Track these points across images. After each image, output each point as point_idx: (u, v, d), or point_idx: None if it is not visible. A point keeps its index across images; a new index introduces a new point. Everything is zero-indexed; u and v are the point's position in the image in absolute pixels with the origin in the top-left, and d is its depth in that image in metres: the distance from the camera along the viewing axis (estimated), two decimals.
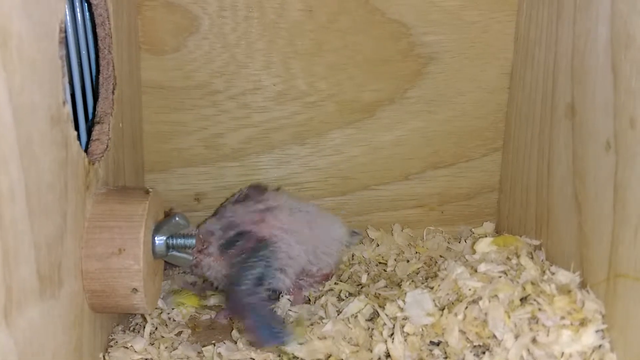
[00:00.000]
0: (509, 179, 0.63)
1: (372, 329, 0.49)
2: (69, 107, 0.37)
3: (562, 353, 0.42)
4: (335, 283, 0.58)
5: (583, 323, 0.42)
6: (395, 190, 0.65)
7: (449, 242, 0.64)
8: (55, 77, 0.35)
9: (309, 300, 0.56)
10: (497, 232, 0.65)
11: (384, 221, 0.66)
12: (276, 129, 0.62)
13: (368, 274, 0.60)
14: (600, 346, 0.42)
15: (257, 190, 0.58)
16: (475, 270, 0.49)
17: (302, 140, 0.63)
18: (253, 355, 0.46)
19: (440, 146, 0.64)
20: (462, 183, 0.66)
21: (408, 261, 0.61)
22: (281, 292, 0.54)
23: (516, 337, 0.43)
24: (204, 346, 0.49)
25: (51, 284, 0.34)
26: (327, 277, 0.58)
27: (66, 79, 0.37)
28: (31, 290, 0.32)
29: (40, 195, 0.33)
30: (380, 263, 0.62)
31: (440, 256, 0.61)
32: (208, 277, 0.56)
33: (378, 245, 0.64)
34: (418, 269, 0.60)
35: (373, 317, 0.51)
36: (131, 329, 0.51)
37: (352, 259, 0.63)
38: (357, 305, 0.51)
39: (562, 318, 0.43)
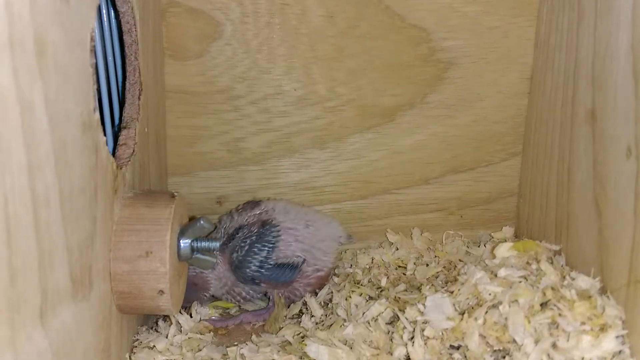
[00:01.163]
0: (529, 184, 0.63)
1: (392, 333, 0.49)
2: (98, 114, 0.39)
3: (582, 358, 0.42)
4: (357, 287, 0.58)
5: (603, 329, 0.43)
6: (415, 195, 0.66)
7: (468, 247, 0.64)
8: (87, 85, 0.36)
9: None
10: (517, 236, 0.65)
11: (403, 225, 0.66)
12: (297, 133, 0.63)
13: (387, 278, 0.60)
14: (620, 352, 0.42)
15: (252, 203, 0.59)
16: (495, 275, 0.50)
17: (323, 144, 0.64)
18: (275, 356, 0.47)
19: (460, 151, 0.65)
20: (482, 187, 0.66)
21: (427, 265, 0.62)
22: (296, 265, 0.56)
23: (536, 342, 0.44)
24: (227, 347, 0.50)
25: (82, 286, 0.35)
26: (322, 280, 0.58)
27: (95, 88, 0.39)
28: (64, 293, 0.33)
29: (72, 200, 0.34)
30: (399, 267, 0.62)
31: (460, 260, 0.61)
32: (221, 295, 0.57)
33: (397, 249, 0.64)
34: (437, 272, 0.60)
35: (393, 321, 0.51)
36: (155, 329, 0.52)
37: (372, 263, 0.63)
38: (377, 309, 0.52)
39: (583, 323, 0.43)
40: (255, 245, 0.55)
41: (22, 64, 0.27)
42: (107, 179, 0.40)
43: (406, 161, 0.65)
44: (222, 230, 0.57)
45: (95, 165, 0.38)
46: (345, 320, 0.52)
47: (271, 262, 0.55)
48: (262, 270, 0.55)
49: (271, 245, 0.55)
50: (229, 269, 0.56)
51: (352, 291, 0.57)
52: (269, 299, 0.58)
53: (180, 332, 0.50)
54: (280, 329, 0.53)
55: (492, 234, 0.65)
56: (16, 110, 0.27)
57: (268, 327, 0.54)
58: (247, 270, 0.55)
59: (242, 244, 0.55)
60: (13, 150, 0.27)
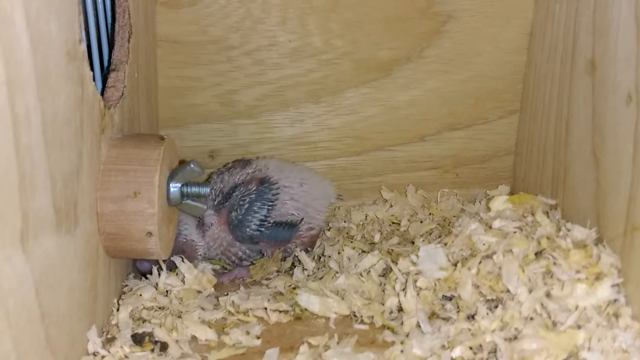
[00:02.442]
0: (526, 141, 0.62)
1: (385, 284, 0.49)
2: (84, 46, 0.37)
3: (577, 306, 0.41)
4: (350, 241, 0.57)
5: (598, 277, 0.42)
6: (410, 152, 0.65)
7: (463, 204, 0.63)
8: (72, 13, 0.35)
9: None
10: (512, 195, 0.64)
11: (398, 182, 0.65)
12: (291, 86, 0.62)
13: (381, 234, 0.60)
14: (615, 300, 0.41)
15: (242, 162, 0.58)
16: (490, 227, 0.49)
17: (317, 98, 0.63)
18: (266, 304, 0.46)
19: (456, 107, 0.64)
20: (478, 145, 0.65)
21: (421, 222, 0.61)
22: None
23: (530, 290, 0.43)
24: (217, 297, 0.49)
25: (67, 219, 0.35)
26: (314, 238, 0.58)
27: (82, 18, 0.37)
28: (47, 221, 0.32)
29: (56, 128, 0.33)
30: (393, 223, 0.62)
31: (454, 217, 0.60)
32: (215, 256, 0.56)
33: (391, 206, 0.64)
34: (431, 229, 0.59)
35: (386, 273, 0.51)
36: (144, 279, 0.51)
37: (366, 219, 0.63)
38: (370, 260, 0.51)
39: (577, 272, 0.43)
40: (255, 203, 0.54)
41: None
42: (94, 116, 0.39)
43: (402, 117, 0.64)
44: (216, 190, 0.56)
45: (81, 98, 0.37)
46: (337, 272, 0.51)
47: (271, 221, 0.54)
48: (262, 229, 0.54)
49: (271, 203, 0.54)
50: (226, 229, 0.55)
51: (345, 245, 0.56)
52: (263, 256, 0.57)
53: (170, 280, 0.49)
54: (268, 279, 0.53)
55: (487, 192, 0.64)
56: None
57: (253, 272, 0.53)
58: (247, 229, 0.54)
59: (241, 203, 0.54)
60: None
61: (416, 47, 0.61)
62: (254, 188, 0.55)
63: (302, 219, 0.56)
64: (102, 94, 0.46)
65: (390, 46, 0.61)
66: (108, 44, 0.50)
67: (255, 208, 0.54)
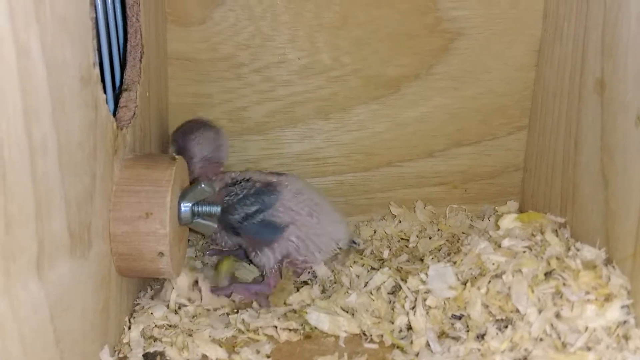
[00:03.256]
0: (534, 157, 0.62)
1: (394, 302, 0.49)
2: (98, 70, 0.38)
3: (586, 328, 0.42)
4: (361, 258, 0.58)
5: (608, 298, 0.42)
6: (419, 168, 0.65)
7: (472, 220, 0.63)
8: (86, 38, 0.35)
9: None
10: (521, 211, 0.64)
11: (407, 198, 0.66)
12: (300, 103, 0.62)
13: (390, 250, 0.60)
14: (625, 322, 0.42)
15: (276, 173, 0.57)
16: (499, 246, 0.49)
17: (326, 115, 0.63)
18: (276, 322, 0.47)
19: (465, 124, 0.64)
20: (487, 161, 0.65)
21: (430, 238, 0.61)
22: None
23: (540, 311, 0.43)
24: (228, 314, 0.49)
25: (81, 243, 0.35)
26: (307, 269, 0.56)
27: (95, 42, 0.38)
28: (62, 246, 0.32)
29: (70, 153, 0.33)
30: (402, 239, 0.62)
31: (463, 233, 0.60)
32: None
33: (400, 222, 0.64)
34: (440, 245, 0.59)
35: (395, 291, 0.51)
36: (156, 296, 0.51)
37: (374, 235, 0.63)
38: (380, 278, 0.51)
39: (587, 293, 0.43)
40: (249, 197, 0.53)
41: (18, 6, 0.27)
42: (107, 138, 0.40)
43: (410, 133, 0.64)
44: (236, 178, 0.56)
45: (94, 121, 0.37)
46: (348, 289, 0.52)
47: (257, 220, 0.53)
48: (245, 223, 0.53)
49: (263, 204, 0.53)
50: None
51: (354, 262, 0.56)
52: (262, 275, 0.56)
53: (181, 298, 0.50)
54: (286, 303, 0.52)
55: (496, 208, 0.64)
56: (12, 52, 0.26)
57: (273, 299, 0.52)
58: (231, 217, 0.53)
59: (239, 192, 0.54)
60: (8, 93, 0.26)
61: (424, 64, 0.62)
62: (258, 185, 0.54)
63: (287, 226, 0.54)
64: (114, 113, 0.47)
65: (398, 63, 0.62)
66: (120, 63, 0.51)
67: (246, 201, 0.53)
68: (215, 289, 0.53)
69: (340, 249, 0.56)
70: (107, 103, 0.40)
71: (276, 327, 0.47)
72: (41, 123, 0.29)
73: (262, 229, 0.53)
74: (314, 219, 0.55)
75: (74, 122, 0.34)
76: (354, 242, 0.58)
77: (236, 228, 0.54)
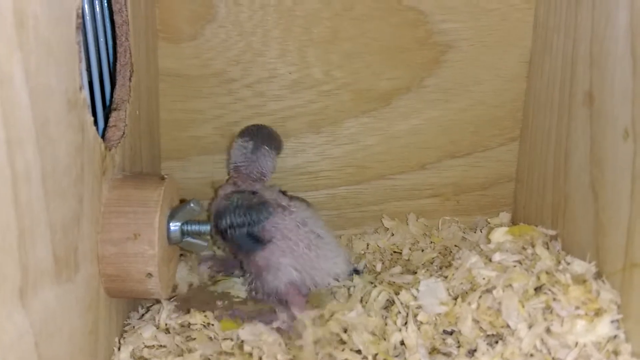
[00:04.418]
0: (526, 169, 0.62)
1: (387, 318, 0.49)
2: (85, 93, 0.38)
3: (577, 343, 0.42)
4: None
5: (598, 313, 0.42)
6: (411, 180, 0.65)
7: (464, 232, 0.63)
8: (72, 62, 0.35)
9: None
10: (514, 222, 0.64)
11: (399, 211, 0.65)
12: (291, 117, 0.62)
13: (383, 263, 0.60)
14: (615, 336, 0.42)
15: (290, 195, 0.57)
16: (490, 260, 0.49)
17: (318, 128, 0.63)
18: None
19: (457, 136, 0.64)
20: (479, 173, 0.65)
21: (423, 250, 0.61)
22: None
23: (530, 326, 0.43)
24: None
25: (67, 267, 0.35)
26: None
27: (83, 65, 0.38)
28: (47, 273, 0.32)
29: (56, 178, 0.33)
30: (394, 252, 0.62)
31: (455, 246, 0.60)
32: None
33: (393, 235, 0.64)
34: (433, 258, 0.59)
35: (388, 305, 0.51)
36: (146, 316, 0.51)
37: (367, 249, 0.63)
38: (374, 294, 0.51)
39: (577, 308, 0.43)
40: (241, 207, 0.53)
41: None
42: (95, 160, 0.40)
43: (402, 146, 0.64)
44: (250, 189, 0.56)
45: (81, 144, 0.37)
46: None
47: (241, 231, 0.52)
48: (230, 230, 0.53)
49: (251, 219, 0.52)
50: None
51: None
52: (275, 311, 0.53)
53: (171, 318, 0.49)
54: None
55: (488, 219, 0.64)
56: None
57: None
58: (219, 221, 0.53)
59: (234, 199, 0.53)
60: None
61: (416, 77, 0.62)
62: (255, 199, 0.54)
63: (270, 239, 0.52)
64: (103, 133, 0.47)
65: (389, 76, 0.62)
66: (110, 82, 0.51)
67: (237, 211, 0.52)
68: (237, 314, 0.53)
69: (338, 281, 0.55)
70: (96, 124, 0.40)
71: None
72: (25, 151, 0.29)
73: (245, 240, 0.53)
74: (312, 252, 0.53)
75: (60, 147, 0.34)
76: (356, 271, 0.56)
77: (221, 232, 0.54)
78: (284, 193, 0.58)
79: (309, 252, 0.53)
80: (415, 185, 0.65)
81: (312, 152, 0.64)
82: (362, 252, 0.62)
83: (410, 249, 0.61)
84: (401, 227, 0.64)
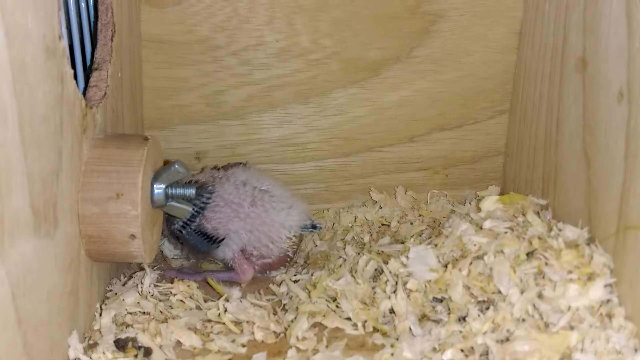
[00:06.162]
0: (516, 142, 0.62)
1: (375, 286, 0.48)
2: (65, 43, 0.36)
3: (569, 307, 0.41)
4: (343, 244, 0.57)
5: (591, 277, 0.41)
6: (400, 153, 0.64)
7: (453, 206, 0.62)
8: (50, 6, 0.34)
9: None
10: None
11: (387, 184, 0.65)
12: (278, 87, 0.61)
13: (371, 235, 0.59)
14: (608, 300, 0.41)
15: (233, 165, 0.56)
16: (481, 227, 0.48)
17: (305, 99, 0.62)
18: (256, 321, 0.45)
19: (446, 108, 0.63)
20: (468, 146, 0.64)
21: (412, 223, 0.60)
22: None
23: (522, 291, 0.42)
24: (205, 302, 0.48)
25: (46, 221, 0.33)
26: (271, 266, 0.54)
27: (62, 14, 0.36)
28: (25, 224, 0.31)
29: (34, 127, 0.32)
30: (383, 225, 0.61)
31: (444, 218, 0.59)
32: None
33: (381, 208, 0.63)
34: (422, 230, 0.58)
35: (376, 275, 0.50)
36: (129, 283, 0.50)
37: (355, 221, 0.62)
38: (363, 260, 0.50)
39: (570, 272, 0.42)
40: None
41: None
42: (75, 115, 0.38)
43: (391, 118, 0.63)
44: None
45: (60, 96, 0.35)
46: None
47: (193, 226, 0.51)
48: (183, 232, 0.52)
49: (198, 208, 0.51)
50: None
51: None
52: (229, 266, 0.53)
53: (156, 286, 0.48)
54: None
55: (477, 193, 0.64)
56: None
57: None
58: (172, 226, 0.52)
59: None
60: None
61: (405, 46, 0.61)
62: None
63: (223, 239, 0.51)
64: (84, 93, 0.45)
65: (379, 46, 0.61)
66: (91, 42, 0.49)
67: None
68: (184, 274, 0.52)
69: (295, 236, 0.53)
70: (75, 79, 0.38)
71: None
72: (1, 91, 0.28)
73: (199, 240, 0.52)
74: (258, 208, 0.52)
75: (38, 94, 0.32)
76: (314, 227, 0.54)
77: (178, 237, 0.53)
78: (227, 166, 0.56)
79: (255, 208, 0.52)
80: (403, 158, 0.64)
81: (299, 123, 0.62)
82: (350, 224, 0.61)
83: (398, 222, 0.60)
84: (389, 200, 0.63)
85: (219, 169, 0.55)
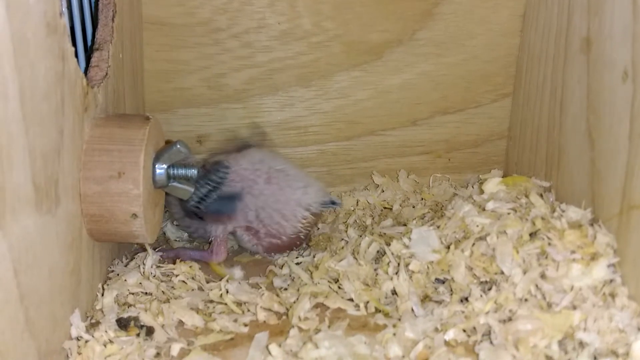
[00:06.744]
0: (519, 125, 0.61)
1: (377, 268, 0.48)
2: (65, 21, 0.36)
3: (572, 287, 0.41)
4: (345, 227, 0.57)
5: (594, 257, 0.41)
6: (402, 136, 0.64)
7: (455, 189, 0.62)
8: None
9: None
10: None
11: (389, 167, 0.64)
12: (280, 69, 0.61)
13: (373, 218, 0.59)
14: (611, 280, 0.41)
15: (245, 145, 0.56)
16: (483, 209, 0.48)
17: (307, 82, 0.61)
18: (258, 301, 0.45)
19: (449, 91, 0.63)
20: (471, 130, 0.64)
21: (414, 207, 0.60)
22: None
23: (524, 272, 0.42)
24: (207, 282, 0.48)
25: (47, 198, 0.33)
26: (282, 248, 0.54)
27: None
28: (26, 199, 0.31)
29: (35, 103, 0.31)
30: (385, 208, 0.61)
31: (447, 201, 0.59)
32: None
33: (383, 191, 0.63)
34: (424, 214, 0.58)
35: (378, 257, 0.50)
36: (131, 264, 0.49)
37: (357, 205, 0.62)
38: (364, 244, 0.50)
39: (573, 252, 0.42)
40: (199, 181, 0.50)
41: None
42: (76, 94, 0.38)
43: (393, 101, 0.63)
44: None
45: (61, 73, 0.35)
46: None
47: (212, 199, 0.51)
48: (201, 206, 0.51)
49: (214, 184, 0.51)
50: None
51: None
52: (209, 242, 0.53)
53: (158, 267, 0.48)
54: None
55: (480, 176, 0.63)
56: None
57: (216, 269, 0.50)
58: (188, 204, 0.52)
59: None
60: None
61: (408, 29, 0.60)
62: (206, 167, 0.53)
63: (240, 192, 0.51)
64: (85, 73, 0.45)
65: (381, 28, 0.60)
66: (92, 23, 0.49)
67: (198, 184, 0.50)
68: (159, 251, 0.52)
69: (313, 214, 0.53)
70: (76, 57, 0.38)
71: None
72: (2, 65, 0.28)
73: (221, 204, 0.51)
74: (273, 186, 0.52)
75: (39, 70, 0.32)
76: (333, 203, 0.54)
77: (197, 213, 0.52)
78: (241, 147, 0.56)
79: (269, 186, 0.52)
80: (406, 141, 0.64)
81: (301, 106, 0.62)
82: (352, 208, 0.61)
83: (400, 205, 0.60)
84: (391, 184, 0.63)
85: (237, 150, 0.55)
